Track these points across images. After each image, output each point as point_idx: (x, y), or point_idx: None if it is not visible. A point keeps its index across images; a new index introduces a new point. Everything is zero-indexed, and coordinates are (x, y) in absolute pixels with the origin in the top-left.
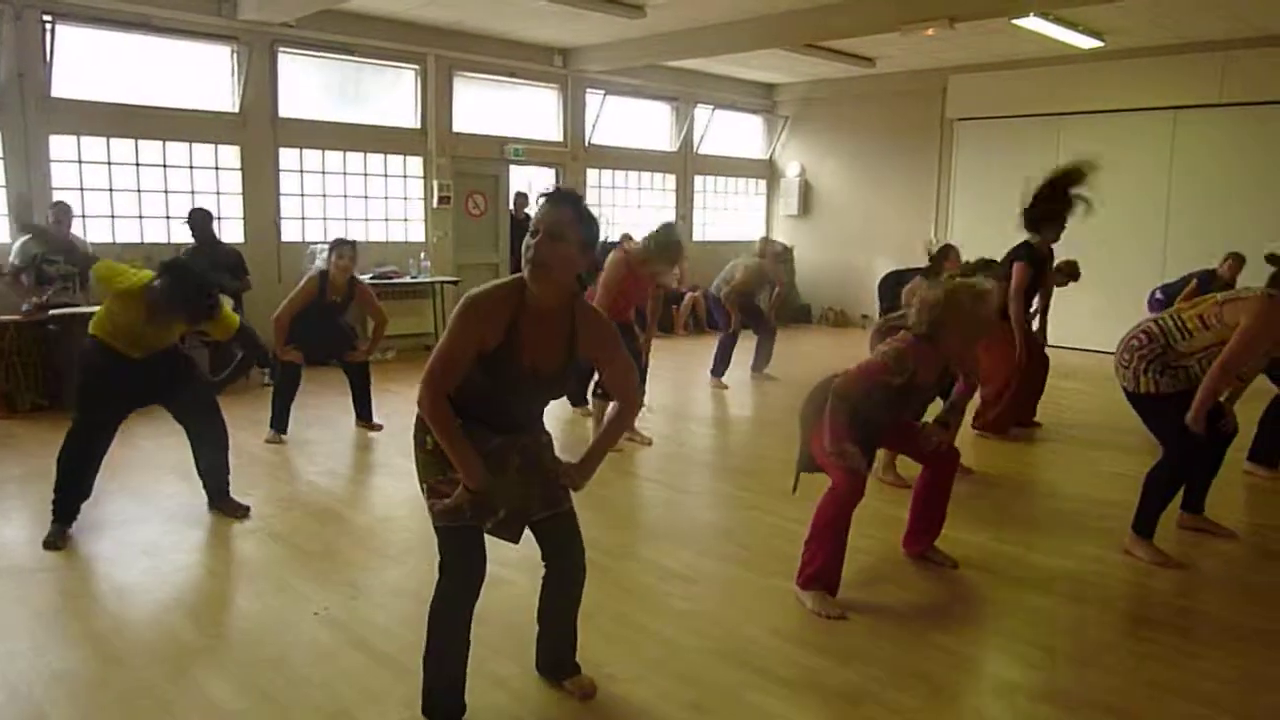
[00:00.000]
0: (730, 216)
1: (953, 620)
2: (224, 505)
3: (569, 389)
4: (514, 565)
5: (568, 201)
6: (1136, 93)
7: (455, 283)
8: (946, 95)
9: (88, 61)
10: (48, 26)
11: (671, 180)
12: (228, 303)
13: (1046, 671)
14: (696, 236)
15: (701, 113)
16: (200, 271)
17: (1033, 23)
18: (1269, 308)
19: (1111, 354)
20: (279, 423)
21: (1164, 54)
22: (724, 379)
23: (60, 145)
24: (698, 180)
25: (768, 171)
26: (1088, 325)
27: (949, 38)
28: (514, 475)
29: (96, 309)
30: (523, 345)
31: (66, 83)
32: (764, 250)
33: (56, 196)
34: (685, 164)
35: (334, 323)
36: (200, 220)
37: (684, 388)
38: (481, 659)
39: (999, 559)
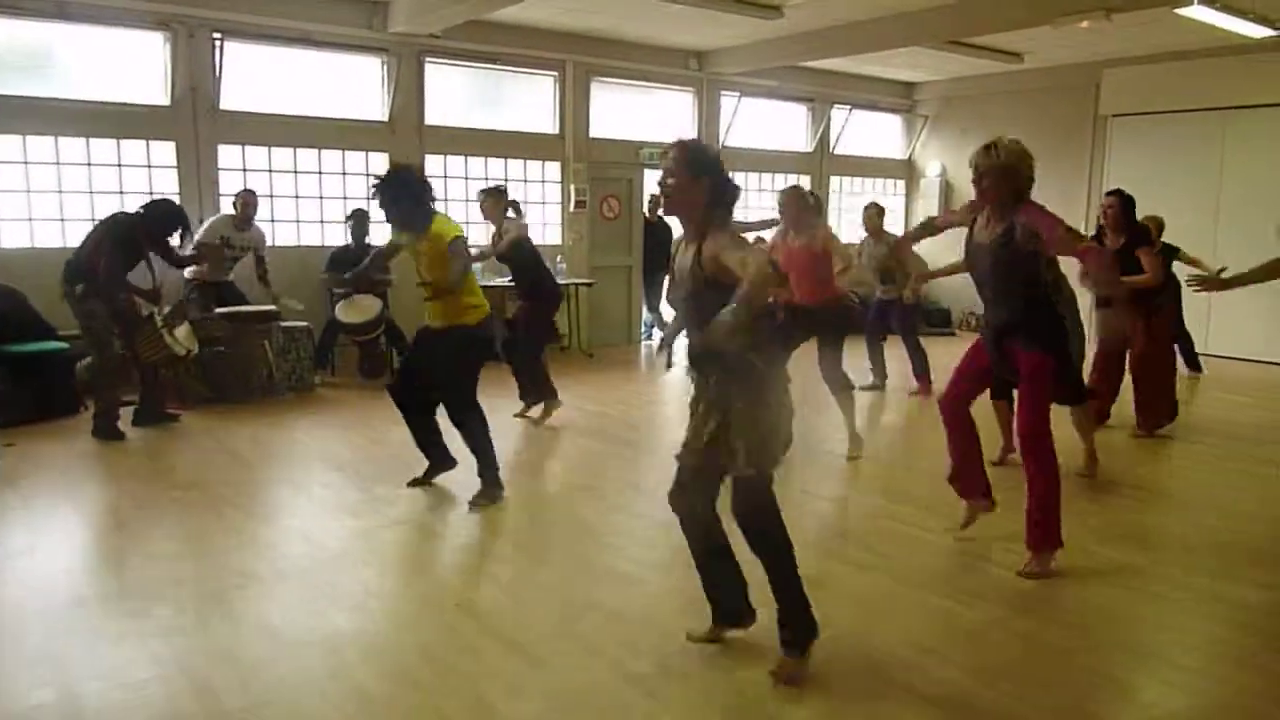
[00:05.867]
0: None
1: (1103, 643)
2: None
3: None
4: (650, 565)
5: (679, 141)
6: None
7: (590, 285)
8: (1100, 90)
9: (252, 75)
10: (217, 43)
11: (807, 182)
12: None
13: (1216, 705)
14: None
15: (838, 113)
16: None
17: (1198, 11)
18: None
19: (1274, 364)
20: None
21: None
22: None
23: (227, 154)
24: (834, 181)
25: (906, 172)
26: (1258, 335)
27: (1104, 29)
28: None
29: (267, 307)
30: (672, 258)
31: (233, 96)
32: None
33: (223, 204)
34: (821, 165)
35: None
36: (359, 220)
37: (822, 393)
38: (618, 659)
39: (1158, 581)
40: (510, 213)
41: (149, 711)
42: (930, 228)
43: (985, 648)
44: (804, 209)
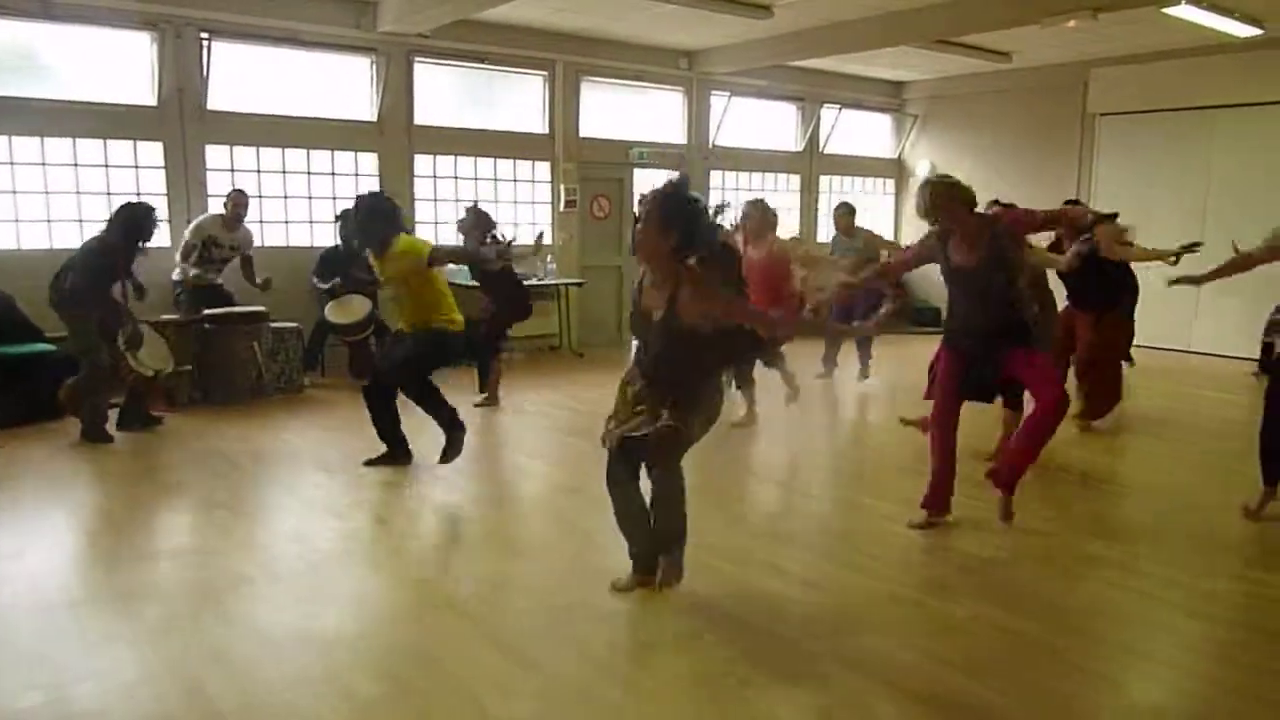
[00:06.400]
0: (858, 218)
1: (1089, 638)
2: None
3: (679, 354)
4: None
5: (656, 193)
6: None
7: (580, 284)
8: (1088, 89)
9: (239, 75)
10: (204, 43)
11: (796, 181)
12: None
13: (1197, 700)
14: (821, 238)
15: (828, 113)
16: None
17: (1184, 11)
18: None
19: (1251, 360)
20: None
21: None
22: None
23: (215, 155)
24: (823, 180)
25: (896, 171)
26: (1233, 332)
27: (1091, 29)
28: (625, 398)
29: (256, 308)
30: (641, 295)
31: (221, 96)
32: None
33: (211, 205)
34: (811, 164)
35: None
36: (347, 221)
37: (806, 391)
38: (610, 660)
39: (1145, 576)
40: (489, 235)
41: (139, 714)
42: (885, 275)
43: (974, 645)
44: (765, 223)
